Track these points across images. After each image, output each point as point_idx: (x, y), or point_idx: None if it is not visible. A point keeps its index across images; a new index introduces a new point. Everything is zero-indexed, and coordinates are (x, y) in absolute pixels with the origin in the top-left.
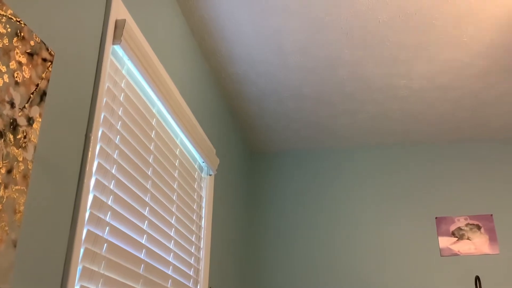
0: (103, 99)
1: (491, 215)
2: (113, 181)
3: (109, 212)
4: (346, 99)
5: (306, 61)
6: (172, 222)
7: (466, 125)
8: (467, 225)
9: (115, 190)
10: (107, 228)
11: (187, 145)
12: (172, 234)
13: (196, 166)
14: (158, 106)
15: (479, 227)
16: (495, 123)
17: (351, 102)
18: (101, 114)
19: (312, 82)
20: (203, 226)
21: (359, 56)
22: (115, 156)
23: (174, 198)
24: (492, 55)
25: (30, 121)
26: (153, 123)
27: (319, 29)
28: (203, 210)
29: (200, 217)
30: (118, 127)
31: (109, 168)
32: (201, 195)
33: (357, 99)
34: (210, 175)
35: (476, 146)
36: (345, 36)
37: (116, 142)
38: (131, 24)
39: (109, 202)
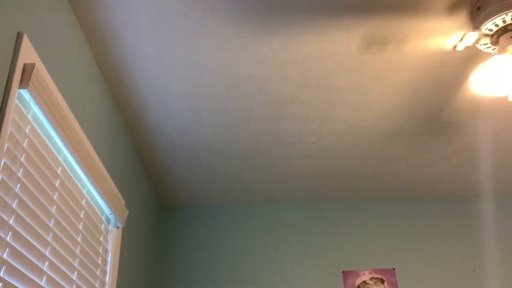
0: (4, 144)
1: (393, 269)
2: (10, 233)
3: (3, 267)
4: (258, 154)
5: (219, 115)
6: (74, 278)
7: (369, 182)
8: (371, 279)
9: (12, 243)
10: (1, 284)
11: (94, 195)
12: None
13: (103, 218)
14: (65, 154)
15: (382, 281)
16: (395, 182)
17: (263, 158)
18: (1, 161)
19: (224, 137)
20: (107, 282)
21: (271, 113)
22: (14, 206)
23: (77, 252)
24: (392, 117)
25: None
26: (58, 172)
27: (233, 85)
28: (108, 265)
29: (104, 273)
30: (19, 175)
31: (6, 219)
32: (106, 249)
33: (269, 155)
34: (118, 227)
35: (379, 203)
36: (259, 93)
37: (16, 190)
38: (41, 69)
39: (5, 256)
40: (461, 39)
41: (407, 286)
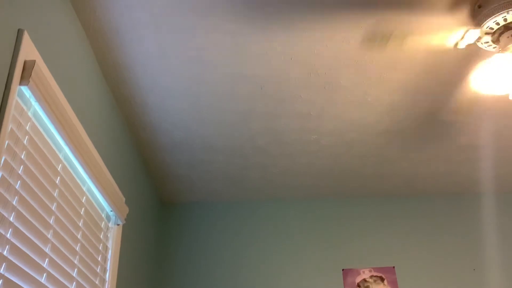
0: (5, 141)
1: (393, 267)
2: (10, 230)
3: (4, 264)
4: (258, 152)
5: (220, 113)
6: (74, 275)
7: (369, 180)
8: (371, 277)
9: (12, 240)
10: (1, 280)
11: (94, 192)
12: None
13: (103, 215)
14: (65, 151)
15: (382, 279)
16: (396, 180)
17: (263, 156)
18: (1, 158)
19: (225, 135)
20: (107, 279)
21: (272, 111)
22: (14, 202)
23: (77, 249)
24: (393, 115)
25: None
26: (59, 169)
27: (234, 83)
28: (108, 262)
29: (104, 270)
30: (19, 172)
31: (7, 216)
32: (107, 246)
33: (269, 153)
34: (118, 224)
35: (379, 201)
36: (259, 91)
37: (17, 187)
38: (41, 66)
39: (5, 253)
40: (463, 37)
41: (407, 284)
